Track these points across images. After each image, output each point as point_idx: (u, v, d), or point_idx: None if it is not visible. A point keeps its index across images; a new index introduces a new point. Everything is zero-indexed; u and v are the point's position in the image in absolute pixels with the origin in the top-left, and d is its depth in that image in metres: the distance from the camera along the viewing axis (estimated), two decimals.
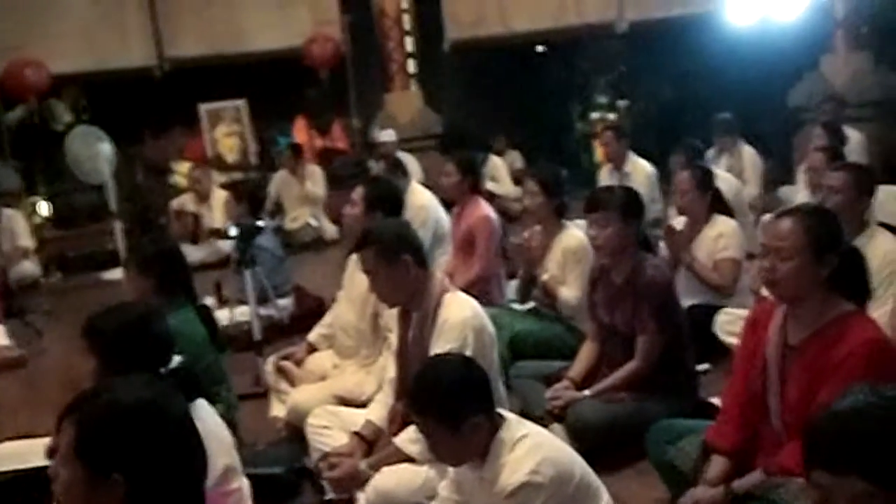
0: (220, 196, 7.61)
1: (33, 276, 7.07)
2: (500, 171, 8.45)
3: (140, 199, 8.72)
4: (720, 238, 4.04)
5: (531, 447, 2.06)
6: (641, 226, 3.09)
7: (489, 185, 8.33)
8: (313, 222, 7.69)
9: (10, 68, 8.25)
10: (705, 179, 4.10)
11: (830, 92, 7.64)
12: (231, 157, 8.99)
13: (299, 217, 7.74)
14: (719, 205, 4.17)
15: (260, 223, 4.33)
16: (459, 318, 2.71)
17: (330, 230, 7.83)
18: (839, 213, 3.39)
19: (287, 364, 3.77)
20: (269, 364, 3.84)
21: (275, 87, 9.08)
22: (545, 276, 3.94)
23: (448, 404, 2.04)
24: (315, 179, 7.70)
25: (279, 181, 7.83)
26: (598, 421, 3.00)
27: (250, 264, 4.25)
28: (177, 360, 2.34)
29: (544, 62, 11.51)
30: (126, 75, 8.92)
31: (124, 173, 8.68)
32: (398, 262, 2.73)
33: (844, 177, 3.42)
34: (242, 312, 4.57)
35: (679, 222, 4.25)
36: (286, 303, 5.12)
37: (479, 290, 4.58)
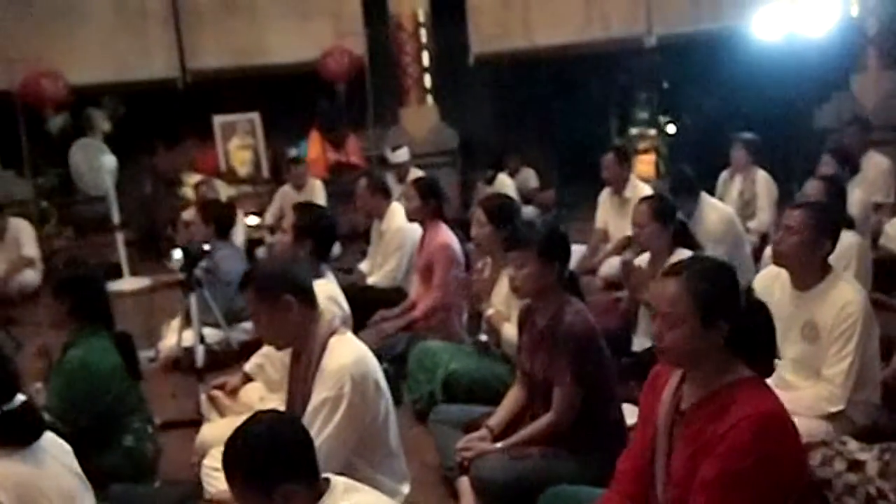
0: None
1: (34, 285, 7.11)
2: (506, 190, 8.19)
3: (148, 211, 8.75)
4: None
5: None
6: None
7: None
8: None
9: (27, 79, 8.31)
10: (664, 210, 3.79)
11: (859, 113, 7.17)
12: (243, 170, 8.96)
13: None
14: (684, 237, 3.86)
15: (205, 246, 4.21)
16: (337, 364, 2.53)
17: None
18: (796, 256, 3.11)
19: (217, 393, 3.65)
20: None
21: (291, 99, 9.02)
22: (489, 312, 3.72)
23: (255, 468, 1.85)
24: (315, 195, 7.57)
25: (282, 195, 7.75)
26: (499, 478, 2.75)
27: (195, 287, 4.14)
28: (20, 399, 2.23)
29: (578, 76, 11.20)
30: (149, 87, 8.98)
31: (135, 184, 8.73)
32: (279, 302, 2.56)
33: (803, 216, 3.09)
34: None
35: (644, 259, 3.96)
36: (249, 326, 4.97)
37: (439, 321, 4.42)
